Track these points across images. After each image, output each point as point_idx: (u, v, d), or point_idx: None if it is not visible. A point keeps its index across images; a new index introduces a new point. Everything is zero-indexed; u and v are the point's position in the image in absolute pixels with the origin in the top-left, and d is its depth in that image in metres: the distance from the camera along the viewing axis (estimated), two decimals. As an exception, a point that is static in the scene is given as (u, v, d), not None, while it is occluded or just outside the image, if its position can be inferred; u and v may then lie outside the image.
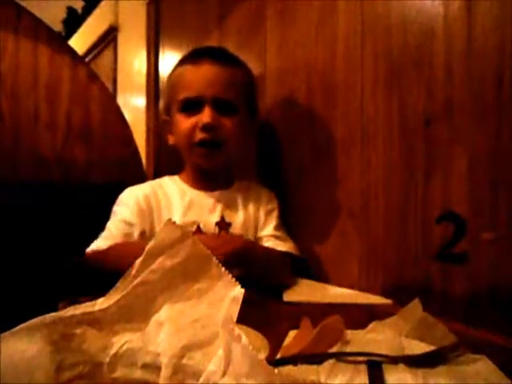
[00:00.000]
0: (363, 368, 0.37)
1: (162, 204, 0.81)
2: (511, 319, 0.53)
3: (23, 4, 1.23)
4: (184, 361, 0.29)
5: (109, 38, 2.06)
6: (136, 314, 0.33)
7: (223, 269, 0.33)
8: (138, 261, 0.34)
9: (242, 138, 0.83)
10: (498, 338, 0.50)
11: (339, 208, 0.80)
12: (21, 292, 1.03)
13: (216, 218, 0.81)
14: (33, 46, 1.23)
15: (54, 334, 0.30)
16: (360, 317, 0.53)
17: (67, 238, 1.17)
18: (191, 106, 0.79)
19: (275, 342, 0.44)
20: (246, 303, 0.30)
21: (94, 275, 0.72)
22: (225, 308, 0.30)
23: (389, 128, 0.70)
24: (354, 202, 0.77)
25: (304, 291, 0.70)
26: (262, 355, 0.39)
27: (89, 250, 0.77)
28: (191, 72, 0.81)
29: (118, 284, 0.33)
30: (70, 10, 2.86)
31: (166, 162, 1.51)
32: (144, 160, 1.54)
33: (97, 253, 0.75)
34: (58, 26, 2.69)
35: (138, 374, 0.31)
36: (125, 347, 0.31)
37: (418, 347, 0.41)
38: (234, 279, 0.32)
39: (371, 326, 0.47)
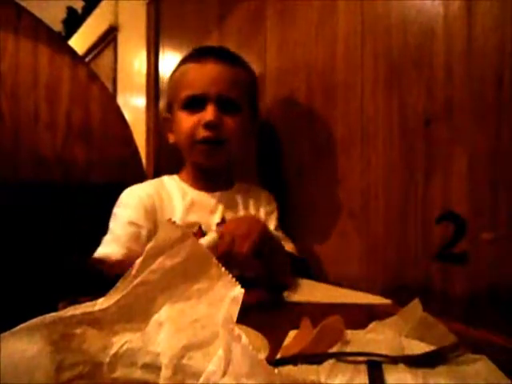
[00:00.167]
0: (363, 368, 0.37)
1: (164, 203, 0.81)
2: (511, 319, 0.53)
3: (23, 4, 1.23)
4: (184, 361, 0.29)
5: (109, 38, 2.06)
6: (136, 314, 0.33)
7: (223, 269, 0.33)
8: (138, 261, 0.34)
9: (243, 138, 0.83)
10: (498, 337, 0.50)
11: (339, 208, 0.80)
12: (21, 292, 1.03)
13: (217, 218, 0.81)
14: (33, 46, 1.23)
15: (53, 334, 0.30)
16: (360, 317, 0.53)
17: (67, 237, 1.17)
18: (194, 104, 0.79)
19: (275, 342, 0.44)
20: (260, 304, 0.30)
21: (103, 281, 0.70)
22: (225, 308, 0.30)
23: (389, 128, 0.70)
24: (354, 202, 0.77)
25: (304, 291, 0.70)
26: (262, 355, 0.39)
27: (97, 255, 0.75)
28: (195, 70, 0.81)
29: (118, 284, 0.33)
30: (70, 10, 2.86)
31: (166, 162, 1.51)
32: (144, 160, 1.54)
33: (114, 262, 0.72)
34: (57, 26, 2.69)
35: (137, 374, 0.31)
36: (125, 347, 0.31)
37: (418, 347, 0.41)
38: (233, 279, 0.32)
39: (371, 326, 0.47)
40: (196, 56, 0.83)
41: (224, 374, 0.27)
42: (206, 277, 0.33)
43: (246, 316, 0.34)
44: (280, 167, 0.95)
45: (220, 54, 0.82)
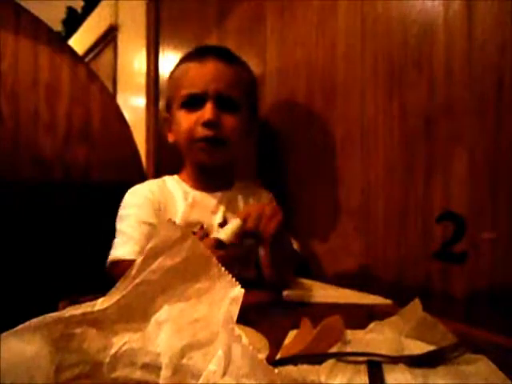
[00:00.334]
0: (363, 368, 0.37)
1: (168, 203, 0.81)
2: (511, 319, 0.53)
3: (23, 4, 1.23)
4: (184, 361, 0.29)
5: (109, 38, 2.05)
6: (136, 314, 0.33)
7: (223, 269, 0.33)
8: (138, 261, 0.34)
9: (242, 137, 0.83)
10: (498, 337, 0.50)
11: (339, 207, 0.80)
12: (21, 292, 1.03)
13: (218, 219, 0.80)
14: (33, 46, 1.23)
15: (53, 334, 0.30)
16: (360, 317, 0.53)
17: (68, 237, 1.17)
18: (193, 103, 0.79)
19: (275, 342, 0.44)
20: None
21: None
22: (225, 308, 0.30)
23: (389, 128, 0.70)
24: (354, 202, 0.77)
25: (304, 291, 0.70)
26: (262, 355, 0.39)
27: (113, 258, 0.75)
28: (195, 69, 0.81)
29: (118, 284, 0.33)
30: (70, 10, 2.86)
31: (166, 162, 1.51)
32: (144, 160, 1.54)
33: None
34: (57, 26, 2.69)
35: (137, 374, 0.31)
36: (125, 347, 0.31)
37: (418, 347, 0.41)
38: (233, 279, 0.32)
39: (371, 326, 0.47)
40: (196, 55, 0.83)
41: (224, 374, 0.27)
42: (206, 277, 0.33)
43: (246, 316, 0.34)
44: (280, 167, 0.95)
45: (220, 53, 0.82)
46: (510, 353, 0.46)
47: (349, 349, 0.41)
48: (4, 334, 0.30)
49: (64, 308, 0.33)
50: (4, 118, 1.18)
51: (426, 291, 0.63)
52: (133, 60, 1.82)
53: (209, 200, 0.82)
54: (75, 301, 0.38)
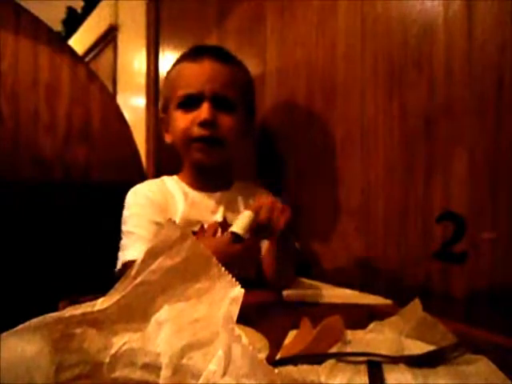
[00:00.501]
0: (363, 368, 0.37)
1: (168, 203, 0.81)
2: (511, 319, 0.53)
3: (23, 4, 1.23)
4: (184, 361, 0.29)
5: (108, 38, 2.05)
6: (136, 314, 0.33)
7: (223, 269, 0.33)
8: (138, 261, 0.34)
9: (239, 137, 0.83)
10: (498, 337, 0.50)
11: (339, 208, 0.80)
12: (21, 292, 1.03)
13: (218, 219, 0.81)
14: (33, 46, 1.23)
15: (54, 334, 0.30)
16: (360, 317, 0.53)
17: (68, 237, 1.17)
18: (190, 103, 0.79)
19: (275, 342, 0.44)
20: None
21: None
22: (225, 308, 0.30)
23: (389, 128, 0.70)
24: (354, 202, 0.77)
25: (304, 291, 0.70)
26: (262, 355, 0.39)
27: (125, 260, 0.73)
28: (191, 68, 0.81)
29: (118, 284, 0.33)
30: (70, 10, 2.86)
31: (166, 162, 1.51)
32: (144, 160, 1.54)
33: None
34: (57, 26, 2.69)
35: (137, 374, 0.31)
36: (125, 347, 0.31)
37: (418, 347, 0.42)
38: (233, 279, 0.32)
39: (371, 326, 0.48)
40: (192, 55, 0.83)
41: (224, 374, 0.27)
42: (206, 277, 0.33)
43: (246, 316, 0.34)
44: (280, 167, 0.95)
45: (216, 53, 0.82)
46: (510, 353, 0.46)
47: (349, 349, 0.41)
48: (4, 334, 0.30)
49: (64, 308, 0.33)
50: (4, 118, 1.18)
51: (426, 291, 0.63)
52: (133, 60, 1.82)
53: (208, 200, 0.82)
54: (75, 301, 0.38)
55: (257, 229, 0.63)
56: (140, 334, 0.32)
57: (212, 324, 0.30)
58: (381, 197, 0.72)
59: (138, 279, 0.33)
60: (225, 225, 0.80)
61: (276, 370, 0.25)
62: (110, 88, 1.85)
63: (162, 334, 0.31)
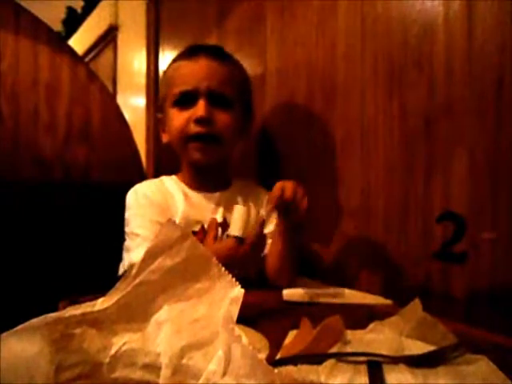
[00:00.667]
0: (363, 368, 0.37)
1: (169, 202, 0.81)
2: (511, 319, 0.53)
3: (23, 4, 1.23)
4: (184, 361, 0.29)
5: (108, 38, 2.05)
6: (136, 314, 0.33)
7: (223, 269, 0.33)
8: (138, 261, 0.34)
9: (236, 135, 0.82)
10: (498, 337, 0.50)
11: (339, 208, 0.80)
12: (21, 292, 1.03)
13: (218, 219, 0.80)
14: (33, 46, 1.23)
15: (53, 334, 0.30)
16: (360, 317, 0.53)
17: (68, 237, 1.17)
18: (185, 100, 0.78)
19: (275, 342, 0.44)
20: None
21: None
22: (225, 308, 0.30)
23: (389, 128, 0.70)
24: (354, 202, 0.77)
25: (304, 291, 0.70)
26: (262, 355, 0.39)
27: (133, 262, 0.73)
28: (187, 66, 0.80)
29: (118, 284, 0.33)
30: (70, 10, 2.86)
31: (165, 162, 1.51)
32: (144, 160, 1.54)
33: None
34: (57, 26, 2.69)
35: (137, 374, 0.31)
36: (125, 347, 0.31)
37: (418, 347, 0.41)
38: (234, 279, 0.32)
39: (371, 326, 0.47)
40: (188, 53, 0.83)
41: (224, 374, 0.27)
42: (206, 277, 0.33)
43: (246, 316, 0.34)
44: (280, 167, 0.95)
45: (212, 51, 0.82)
46: (510, 353, 0.46)
47: (349, 349, 0.41)
48: (4, 334, 0.30)
49: (64, 308, 0.33)
50: (4, 118, 1.18)
51: (426, 291, 0.63)
52: (133, 60, 1.82)
53: (208, 200, 0.82)
54: (75, 301, 0.38)
55: (281, 208, 0.65)
56: (140, 334, 0.32)
57: (212, 324, 0.30)
58: (381, 197, 0.72)
59: (138, 279, 0.33)
60: (225, 225, 0.80)
61: (276, 370, 0.25)
62: (110, 88, 1.85)
63: (162, 334, 0.31)
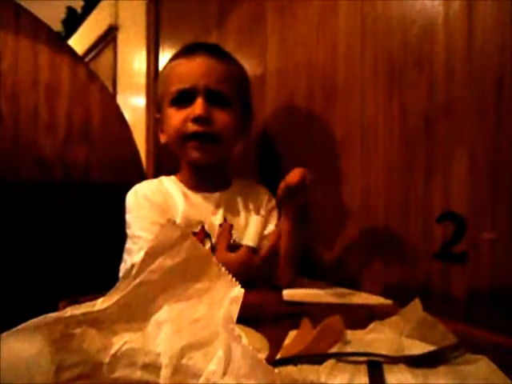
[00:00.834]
0: (363, 368, 0.37)
1: (169, 203, 0.80)
2: (511, 319, 0.53)
3: (23, 4, 1.23)
4: (184, 361, 0.29)
5: (108, 38, 2.05)
6: (136, 314, 0.33)
7: (223, 268, 0.33)
8: (138, 261, 0.34)
9: (235, 134, 0.82)
10: (498, 337, 0.49)
11: (339, 208, 0.80)
12: (21, 292, 1.03)
13: (219, 219, 0.80)
14: (32, 46, 1.23)
15: (54, 334, 0.30)
16: (360, 317, 0.53)
17: (67, 237, 1.17)
18: (183, 99, 0.77)
19: (275, 343, 0.44)
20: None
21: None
22: (225, 308, 0.30)
23: (389, 128, 0.70)
24: (354, 202, 0.77)
25: (305, 291, 0.70)
26: (262, 355, 0.39)
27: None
28: (184, 64, 0.79)
29: (118, 284, 0.33)
30: (70, 10, 2.86)
31: (165, 162, 1.51)
32: (144, 160, 1.54)
33: None
34: (57, 26, 2.69)
35: (137, 374, 0.31)
36: (125, 347, 0.31)
37: (419, 347, 0.41)
38: (233, 279, 0.32)
39: (371, 326, 0.47)
40: (185, 51, 0.82)
41: (224, 374, 0.27)
42: (206, 277, 0.33)
43: (246, 316, 0.34)
44: (280, 167, 0.95)
45: (209, 49, 0.81)
46: (510, 353, 0.46)
47: (349, 349, 0.41)
48: (4, 334, 0.30)
49: (64, 308, 0.33)
50: (4, 118, 1.18)
51: (427, 291, 0.63)
52: (133, 60, 1.82)
53: (207, 201, 0.82)
54: (75, 301, 0.38)
55: (290, 193, 0.66)
56: (140, 334, 0.32)
57: (212, 324, 0.30)
58: (381, 197, 0.72)
59: (138, 279, 0.33)
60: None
61: (276, 370, 0.25)
62: (110, 88, 1.85)
63: (162, 334, 0.31)
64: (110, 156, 1.34)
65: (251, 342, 0.26)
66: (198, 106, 0.75)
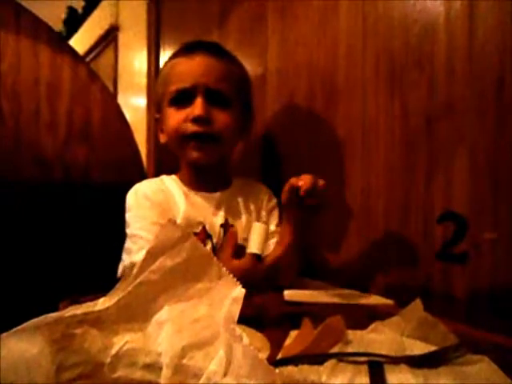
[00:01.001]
0: (364, 368, 0.37)
1: (170, 202, 0.80)
2: (511, 319, 0.53)
3: (24, 4, 1.23)
4: (185, 361, 0.29)
5: (109, 38, 2.06)
6: (137, 314, 0.33)
7: (224, 269, 0.33)
8: (139, 261, 0.34)
9: (236, 134, 0.81)
10: (499, 338, 0.49)
11: (340, 207, 0.80)
12: (21, 292, 1.03)
13: (220, 220, 0.80)
14: (33, 46, 1.23)
15: (54, 334, 0.30)
16: (361, 317, 0.53)
17: (68, 237, 1.17)
18: (183, 99, 0.77)
19: (276, 343, 0.44)
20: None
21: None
22: (226, 308, 0.30)
23: (390, 128, 0.70)
24: (355, 201, 0.77)
25: (306, 291, 0.69)
26: (263, 356, 0.39)
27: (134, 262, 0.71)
28: (183, 63, 0.79)
29: (119, 284, 0.33)
30: (71, 10, 2.86)
31: (166, 162, 1.51)
32: (144, 160, 1.54)
33: None
34: (58, 26, 2.69)
35: (138, 374, 0.31)
36: (125, 347, 0.31)
37: (419, 347, 0.41)
38: (234, 279, 0.32)
39: (372, 326, 0.47)
40: (184, 50, 0.82)
41: (225, 374, 0.27)
42: (207, 277, 0.33)
43: (247, 316, 0.34)
44: (281, 167, 0.95)
45: (209, 48, 0.80)
46: (511, 353, 0.46)
47: (350, 349, 0.41)
48: (4, 334, 0.30)
49: (65, 308, 0.33)
50: (5, 118, 1.18)
51: (427, 291, 0.63)
52: (133, 60, 1.82)
53: (208, 201, 0.81)
54: (76, 301, 0.38)
55: (300, 197, 0.64)
56: (141, 334, 0.32)
57: (213, 324, 0.30)
58: (381, 196, 0.72)
59: (139, 279, 0.33)
60: (227, 226, 0.80)
61: (277, 370, 0.25)
62: (111, 88, 1.85)
63: (163, 334, 0.31)
64: (111, 156, 1.34)
65: (252, 342, 0.26)
66: (197, 106, 0.75)
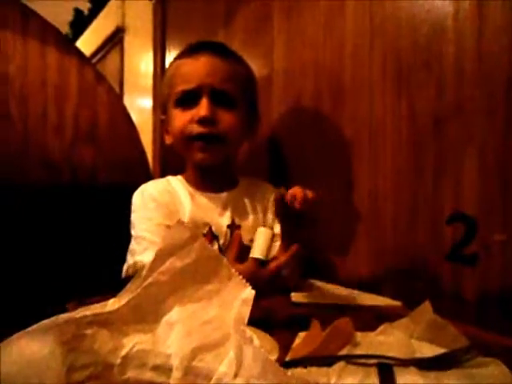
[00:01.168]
0: (374, 371, 0.37)
1: (176, 203, 0.80)
2: (522, 321, 0.53)
3: (30, 6, 1.24)
4: (195, 362, 0.29)
5: (115, 40, 2.07)
6: (146, 315, 0.33)
7: (233, 270, 0.33)
8: (149, 262, 0.34)
9: (241, 134, 0.81)
10: (509, 340, 0.49)
11: (348, 209, 0.80)
12: (28, 293, 1.04)
13: (226, 221, 0.79)
14: (41, 49, 1.24)
15: (65, 335, 0.30)
16: (370, 319, 0.53)
17: (75, 239, 1.18)
18: (188, 100, 0.76)
19: (284, 345, 0.44)
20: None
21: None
22: (236, 309, 0.30)
23: (398, 128, 0.70)
24: (362, 203, 0.77)
25: (313, 292, 0.69)
26: (273, 357, 0.39)
27: (137, 262, 0.72)
28: (189, 64, 0.79)
29: (129, 285, 0.33)
30: (77, 12, 2.88)
31: (172, 164, 1.52)
32: (150, 161, 1.55)
33: None
34: (64, 28, 2.71)
35: (148, 375, 0.31)
36: (135, 348, 0.31)
37: (429, 349, 0.41)
38: (244, 280, 0.32)
39: (381, 328, 0.47)
40: (189, 51, 0.81)
41: (235, 375, 0.27)
42: (217, 278, 0.33)
43: (255, 318, 0.34)
44: (288, 169, 0.95)
45: (214, 48, 0.80)
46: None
47: (359, 351, 0.41)
48: (16, 335, 0.30)
49: (72, 309, 0.33)
50: (14, 122, 1.19)
51: (437, 293, 0.63)
52: (139, 61, 1.83)
53: (215, 201, 0.81)
54: (84, 302, 0.38)
55: (290, 217, 0.64)
56: (150, 335, 0.32)
57: (223, 325, 0.30)
58: (389, 198, 0.71)
59: (149, 280, 0.33)
60: (233, 226, 0.80)
61: (289, 372, 0.25)
62: (117, 89, 1.85)
63: (173, 335, 0.31)
64: (117, 157, 1.35)
65: (262, 344, 0.26)
66: (202, 107, 0.75)
